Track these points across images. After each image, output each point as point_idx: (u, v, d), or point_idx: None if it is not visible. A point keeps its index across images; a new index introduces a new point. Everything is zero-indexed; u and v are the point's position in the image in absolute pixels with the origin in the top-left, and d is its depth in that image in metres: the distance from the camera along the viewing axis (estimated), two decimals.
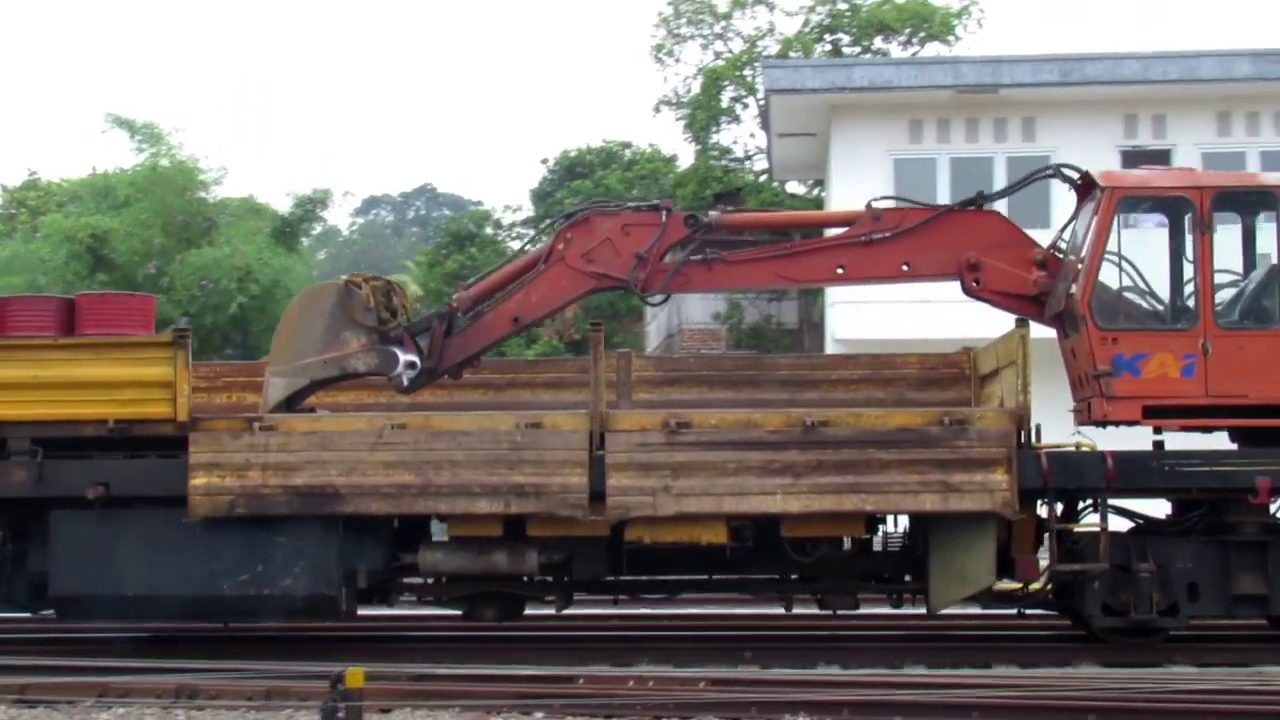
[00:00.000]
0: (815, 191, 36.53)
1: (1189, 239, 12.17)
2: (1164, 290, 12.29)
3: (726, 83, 40.04)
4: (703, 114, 40.64)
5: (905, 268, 12.55)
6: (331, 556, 12.04)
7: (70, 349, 12.28)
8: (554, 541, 12.22)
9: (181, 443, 12.07)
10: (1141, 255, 12.43)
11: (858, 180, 26.12)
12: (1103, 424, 12.07)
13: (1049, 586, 12.24)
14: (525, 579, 12.62)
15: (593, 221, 12.59)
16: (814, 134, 27.83)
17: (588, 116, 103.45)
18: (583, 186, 45.81)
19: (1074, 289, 11.98)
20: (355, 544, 12.19)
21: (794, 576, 12.68)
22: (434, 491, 11.85)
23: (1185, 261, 12.20)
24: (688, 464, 11.70)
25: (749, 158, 42.66)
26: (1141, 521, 12.43)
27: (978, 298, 12.57)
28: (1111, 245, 12.10)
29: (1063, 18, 74.97)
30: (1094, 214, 12.17)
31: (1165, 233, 12.57)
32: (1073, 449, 12.11)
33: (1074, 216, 12.74)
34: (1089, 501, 12.28)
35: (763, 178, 38.11)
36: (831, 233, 13.29)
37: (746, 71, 39.63)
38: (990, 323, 13.13)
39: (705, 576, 12.96)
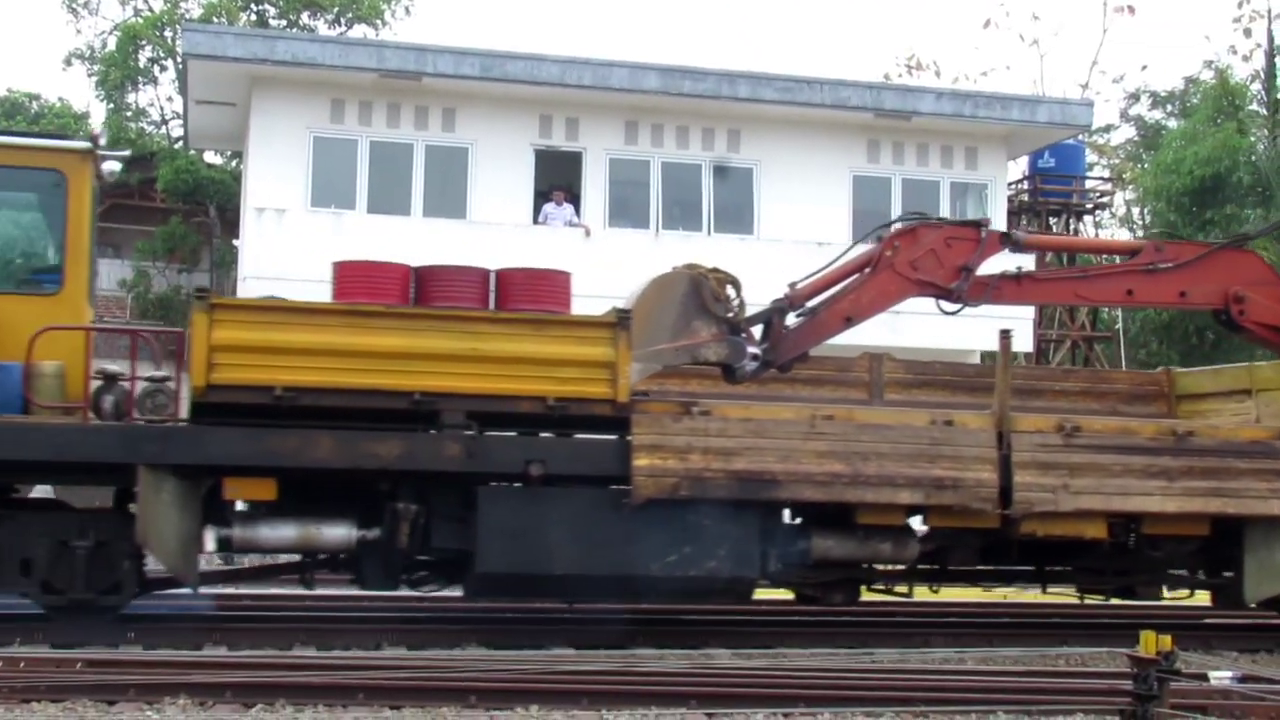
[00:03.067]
0: (234, 163, 35.66)
1: None
2: None
3: (145, 42, 38.48)
4: (118, 72, 38.89)
5: (1182, 295, 13.79)
6: (753, 540, 12.06)
7: (510, 323, 11.73)
8: (941, 532, 12.68)
9: (615, 424, 11.85)
10: None
11: (276, 154, 25.75)
12: None
13: None
14: (893, 567, 13.09)
15: (919, 232, 13.15)
16: (234, 104, 27.11)
17: None
18: None
19: None
20: (771, 529, 12.25)
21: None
22: (862, 481, 12.11)
23: None
24: (1082, 465, 12.52)
25: (165, 122, 41.23)
26: None
27: (1237, 327, 13.84)
28: None
29: (490, 14, 76.79)
30: None
31: None
32: None
33: None
34: None
35: (179, 144, 36.84)
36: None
37: (167, 33, 38.20)
38: None
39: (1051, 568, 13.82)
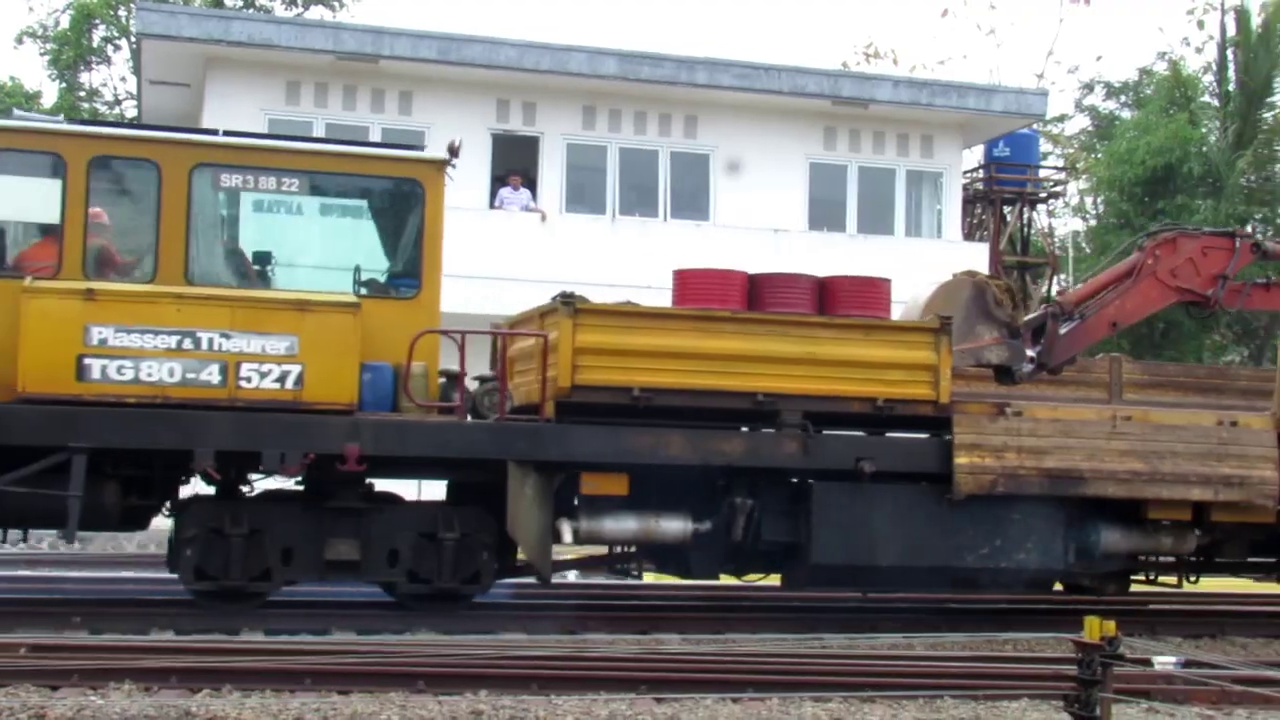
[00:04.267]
0: None
1: None
2: None
3: (98, 21, 38.16)
4: (71, 51, 38.55)
5: None
6: (1058, 534, 12.90)
7: (843, 328, 12.47)
8: (1219, 527, 13.47)
9: (934, 423, 12.71)
10: None
11: None
12: None
13: None
14: (1161, 559, 13.90)
15: (1178, 242, 13.98)
16: (188, 85, 26.91)
17: None
18: None
19: None
20: (1071, 523, 13.00)
21: None
22: (1159, 479, 12.94)
23: None
24: None
25: (119, 102, 40.91)
26: None
27: None
28: None
29: None
30: None
31: None
32: None
33: None
34: None
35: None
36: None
37: (121, 11, 37.88)
38: None
39: None
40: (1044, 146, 39.77)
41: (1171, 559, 13.92)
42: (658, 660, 10.10)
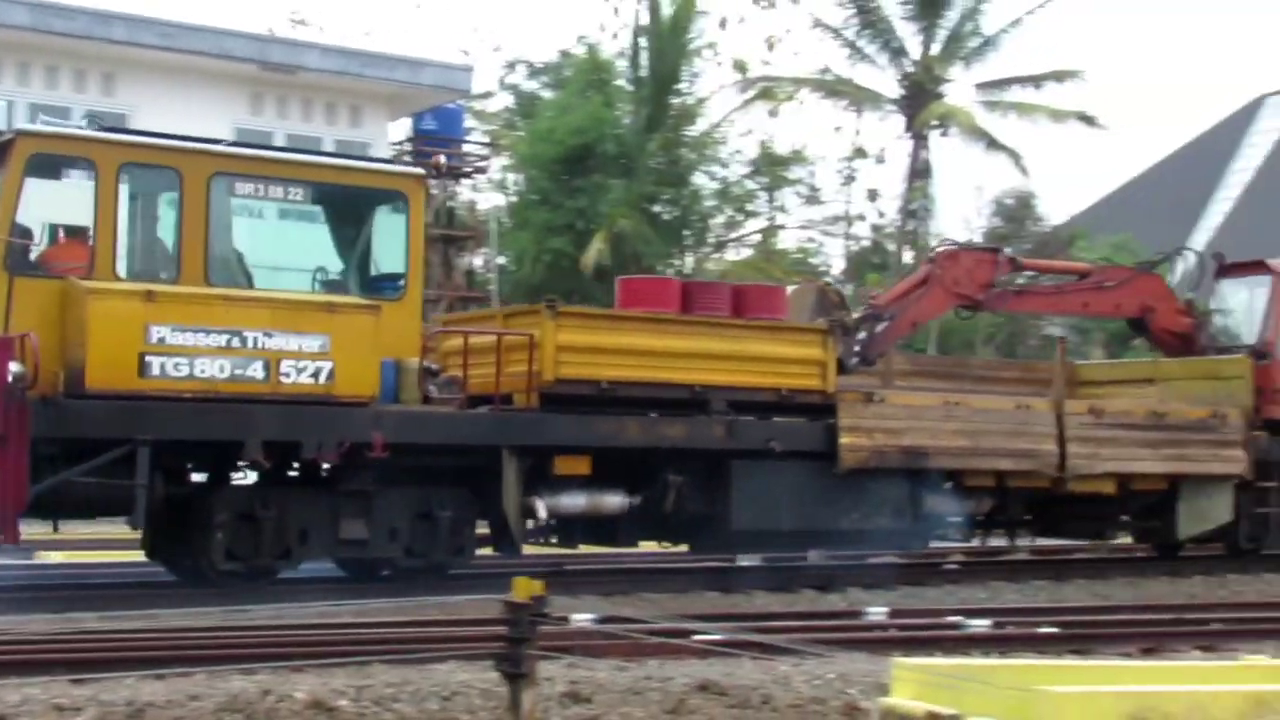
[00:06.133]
0: None
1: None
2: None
3: None
4: None
5: (1117, 306, 18.11)
6: (905, 500, 15.21)
7: (758, 330, 14.73)
8: (1011, 491, 16.17)
9: (820, 410, 14.84)
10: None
11: None
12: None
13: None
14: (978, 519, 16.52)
15: (958, 256, 16.94)
16: None
17: None
18: None
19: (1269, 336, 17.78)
20: (914, 490, 15.28)
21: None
22: (979, 453, 15.59)
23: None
24: (1105, 439, 16.30)
25: None
26: None
27: (1148, 332, 18.09)
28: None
29: None
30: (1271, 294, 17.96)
31: None
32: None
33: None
34: None
35: None
36: None
37: None
38: None
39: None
40: (469, 122, 40.57)
41: (976, 520, 16.65)
42: (74, 640, 9.69)
